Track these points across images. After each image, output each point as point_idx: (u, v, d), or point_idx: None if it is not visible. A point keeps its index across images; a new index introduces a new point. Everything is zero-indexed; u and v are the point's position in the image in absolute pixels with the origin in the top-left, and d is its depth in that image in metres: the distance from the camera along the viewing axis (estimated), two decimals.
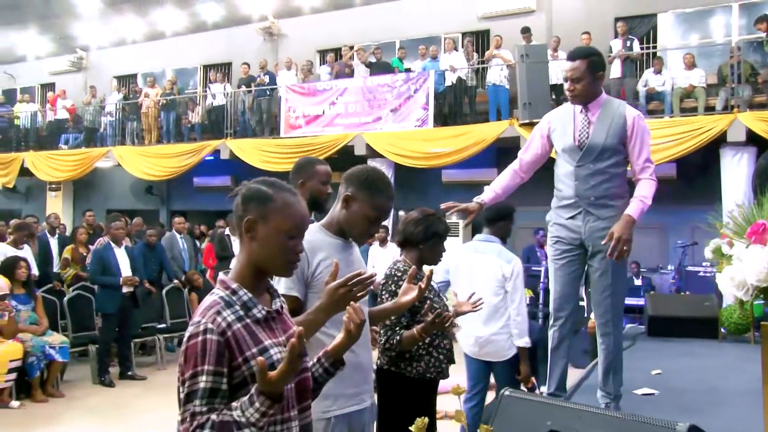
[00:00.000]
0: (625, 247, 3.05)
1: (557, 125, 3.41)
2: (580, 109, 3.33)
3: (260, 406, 1.55)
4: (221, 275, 1.81)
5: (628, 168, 3.34)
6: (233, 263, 6.63)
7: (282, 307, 1.87)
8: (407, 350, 3.08)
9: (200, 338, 1.62)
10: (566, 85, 3.35)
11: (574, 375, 4.01)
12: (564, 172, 3.37)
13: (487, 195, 3.49)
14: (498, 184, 3.54)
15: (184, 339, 1.67)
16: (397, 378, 3.08)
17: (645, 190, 3.19)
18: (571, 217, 3.34)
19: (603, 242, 3.12)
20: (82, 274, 8.73)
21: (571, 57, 3.33)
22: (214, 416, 1.58)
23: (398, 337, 3.01)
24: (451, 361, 3.33)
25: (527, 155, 3.54)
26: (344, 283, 2.03)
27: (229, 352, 1.64)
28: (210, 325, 1.64)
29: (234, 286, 1.75)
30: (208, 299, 1.73)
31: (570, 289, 3.42)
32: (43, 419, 6.15)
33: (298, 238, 1.81)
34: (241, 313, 1.71)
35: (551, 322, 3.50)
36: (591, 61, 3.25)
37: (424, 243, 3.27)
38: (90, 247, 8.96)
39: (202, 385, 1.59)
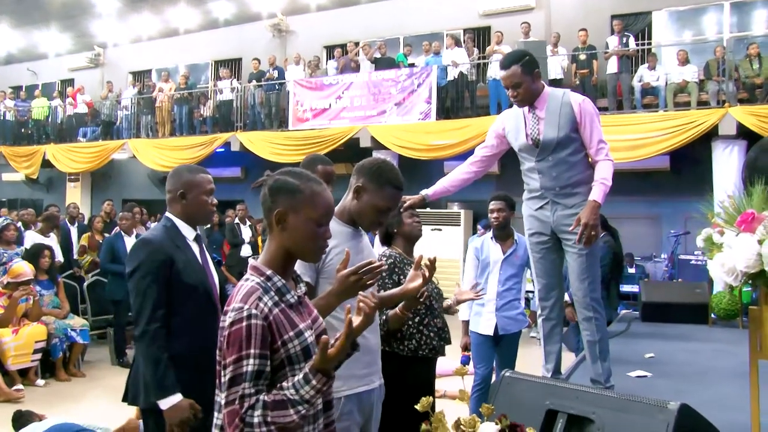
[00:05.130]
0: (593, 232, 3.11)
1: (510, 128, 3.46)
2: (528, 108, 3.36)
3: (317, 383, 1.60)
4: (252, 262, 1.85)
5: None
6: (244, 250, 7.00)
7: (305, 292, 1.91)
8: (396, 329, 3.13)
9: (245, 323, 1.65)
10: (509, 93, 3.36)
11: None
12: (527, 167, 3.45)
13: (432, 189, 3.51)
14: (447, 179, 3.57)
15: (226, 324, 1.69)
16: (391, 357, 3.09)
17: (604, 172, 3.20)
18: (540, 208, 3.40)
19: (570, 228, 3.20)
20: (99, 260, 8.85)
21: (505, 65, 3.32)
22: (263, 397, 1.62)
23: (384, 317, 3.03)
24: (445, 340, 3.35)
25: (483, 150, 3.59)
26: (355, 270, 2.07)
27: (270, 336, 1.68)
28: (254, 311, 1.66)
29: (268, 272, 1.78)
30: (246, 286, 1.74)
31: (552, 278, 3.49)
32: (66, 397, 6.33)
33: (326, 225, 1.85)
34: (277, 298, 1.74)
35: (539, 312, 3.57)
36: (523, 63, 3.27)
37: (395, 226, 3.34)
38: (106, 235, 9.20)
39: (249, 368, 1.62)
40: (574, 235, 3.18)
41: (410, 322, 3.19)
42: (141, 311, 2.64)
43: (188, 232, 2.85)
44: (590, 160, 3.32)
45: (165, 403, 2.57)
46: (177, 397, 2.58)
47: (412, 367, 3.17)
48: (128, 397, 2.83)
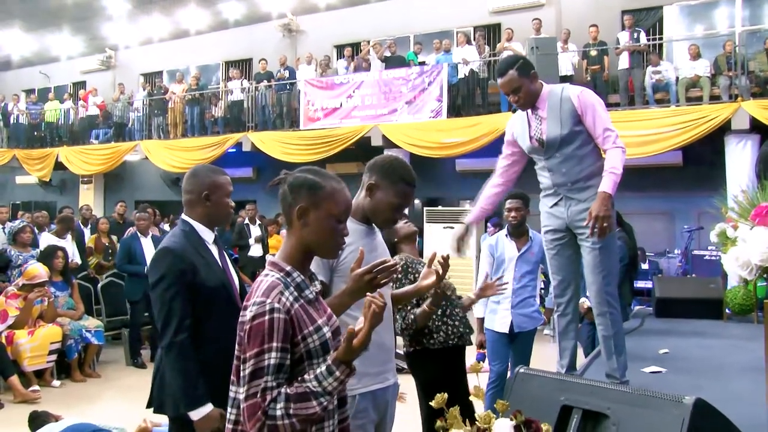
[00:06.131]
0: (605, 224, 3.06)
1: (518, 132, 3.47)
2: (531, 110, 3.36)
3: (340, 375, 1.64)
4: (271, 258, 1.87)
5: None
6: (253, 249, 6.98)
7: (320, 289, 1.96)
8: (424, 325, 3.25)
9: (267, 317, 1.67)
10: (510, 99, 3.37)
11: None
12: (538, 166, 3.44)
13: (471, 216, 3.55)
14: (481, 200, 3.58)
15: (247, 318, 1.70)
16: (424, 354, 3.24)
17: (613, 161, 3.15)
18: (555, 205, 3.38)
19: (585, 223, 3.15)
20: (104, 262, 9.04)
21: (501, 72, 3.32)
22: (284, 389, 1.64)
23: (413, 316, 3.16)
24: (468, 327, 3.48)
25: (503, 161, 3.58)
26: (369, 269, 2.08)
27: (291, 330, 1.70)
28: (276, 305, 1.68)
29: (288, 268, 1.81)
30: (267, 281, 1.76)
31: (568, 275, 3.46)
32: (82, 397, 6.37)
33: (345, 222, 1.88)
34: (296, 293, 1.77)
35: (555, 308, 3.56)
36: (519, 67, 3.27)
37: (392, 235, 3.45)
38: (112, 237, 9.34)
39: (272, 361, 1.64)
40: (588, 227, 3.16)
41: (434, 316, 3.29)
42: (168, 322, 2.62)
43: (207, 234, 2.83)
44: (601, 150, 3.29)
45: (196, 414, 2.58)
46: (208, 408, 2.59)
47: (444, 358, 3.29)
48: (154, 405, 2.81)
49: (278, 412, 1.61)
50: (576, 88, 3.32)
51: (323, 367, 1.66)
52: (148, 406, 2.86)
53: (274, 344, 1.66)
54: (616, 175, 3.11)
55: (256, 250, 10.08)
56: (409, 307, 3.18)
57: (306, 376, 1.67)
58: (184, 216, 2.85)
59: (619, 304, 3.45)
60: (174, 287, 2.63)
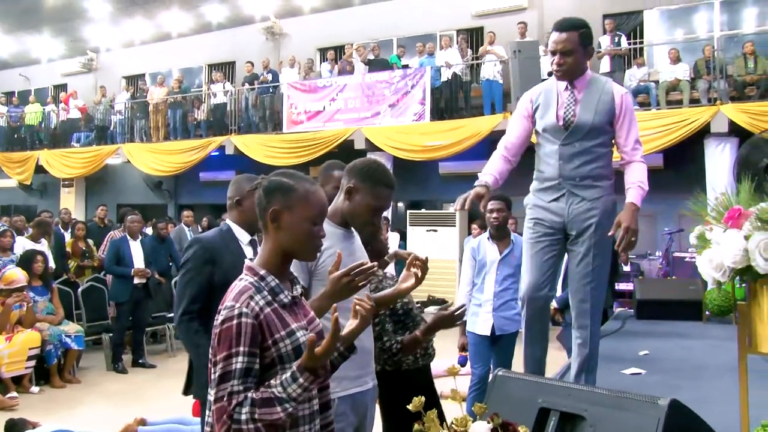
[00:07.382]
0: (633, 238, 2.92)
1: (540, 102, 3.19)
2: (565, 86, 3.12)
3: (304, 382, 1.64)
4: (248, 263, 1.86)
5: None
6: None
7: (301, 293, 1.93)
8: (409, 354, 3.06)
9: (235, 321, 1.67)
10: (555, 59, 3.07)
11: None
12: (547, 151, 3.18)
13: (488, 178, 3.14)
14: (493, 169, 3.18)
15: (217, 322, 1.71)
16: (396, 375, 3.08)
17: (641, 175, 3.03)
18: (554, 200, 3.15)
19: (611, 232, 2.98)
20: (83, 263, 9.04)
21: (561, 28, 3.04)
22: (251, 394, 1.63)
23: (398, 345, 2.97)
24: (431, 340, 3.32)
25: (513, 138, 3.25)
26: (347, 272, 2.08)
27: (261, 335, 1.70)
28: (245, 309, 1.68)
29: (262, 272, 1.80)
30: (239, 285, 1.77)
31: (544, 277, 3.23)
32: (62, 403, 6.30)
33: (320, 224, 1.87)
34: (270, 298, 1.76)
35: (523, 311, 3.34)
36: (582, 33, 3.04)
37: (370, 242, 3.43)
38: (90, 240, 9.36)
39: (238, 365, 1.64)
40: (587, 230, 3.06)
41: (401, 334, 3.15)
42: (179, 302, 2.90)
43: (242, 235, 3.12)
44: (623, 160, 3.12)
45: None
46: None
47: (417, 378, 3.16)
48: (191, 390, 3.10)
49: (243, 417, 1.61)
50: (621, 88, 3.17)
51: (288, 374, 1.66)
52: (185, 392, 3.20)
53: (242, 348, 1.66)
54: (644, 191, 3.02)
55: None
56: (385, 336, 2.98)
57: (272, 381, 1.67)
58: (226, 218, 3.22)
59: (600, 319, 3.33)
60: (192, 272, 2.90)
